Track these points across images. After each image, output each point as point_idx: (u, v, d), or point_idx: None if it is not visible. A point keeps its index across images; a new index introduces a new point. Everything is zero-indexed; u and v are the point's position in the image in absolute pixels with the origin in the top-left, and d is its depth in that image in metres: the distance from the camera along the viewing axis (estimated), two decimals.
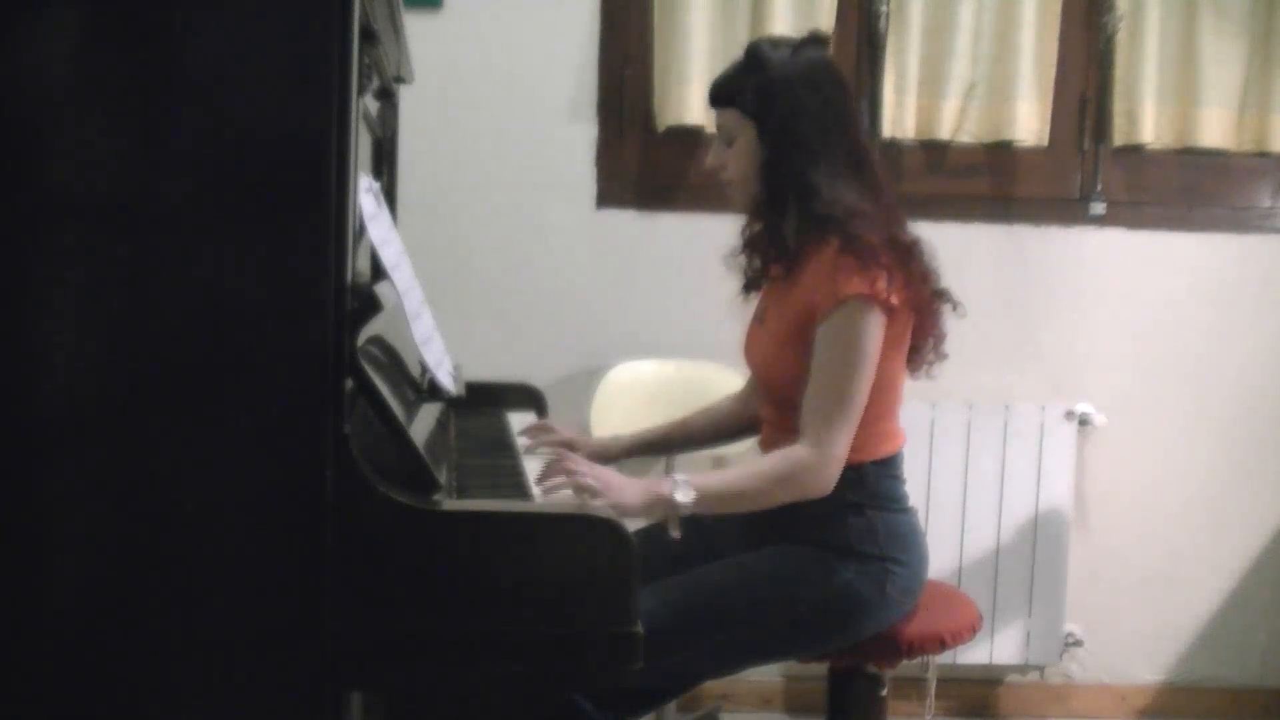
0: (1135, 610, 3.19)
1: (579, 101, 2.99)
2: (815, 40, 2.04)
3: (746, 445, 2.37)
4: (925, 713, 2.98)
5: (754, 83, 1.98)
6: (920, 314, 1.99)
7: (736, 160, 2.02)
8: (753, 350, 2.13)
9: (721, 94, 2.03)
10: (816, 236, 1.96)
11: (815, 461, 1.89)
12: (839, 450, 1.90)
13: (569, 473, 1.79)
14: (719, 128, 2.05)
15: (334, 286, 1.41)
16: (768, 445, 2.10)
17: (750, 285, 2.15)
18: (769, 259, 2.05)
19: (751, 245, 2.08)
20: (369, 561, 1.43)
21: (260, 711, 1.46)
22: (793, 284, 2.00)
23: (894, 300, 1.90)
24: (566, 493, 1.78)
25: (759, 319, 2.13)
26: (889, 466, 2.03)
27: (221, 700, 1.45)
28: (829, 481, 1.90)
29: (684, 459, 2.57)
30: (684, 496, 1.83)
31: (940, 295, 2.03)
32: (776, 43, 2.04)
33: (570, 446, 2.24)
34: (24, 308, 1.41)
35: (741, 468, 2.03)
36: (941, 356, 2.06)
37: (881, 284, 1.89)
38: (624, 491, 1.81)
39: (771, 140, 1.97)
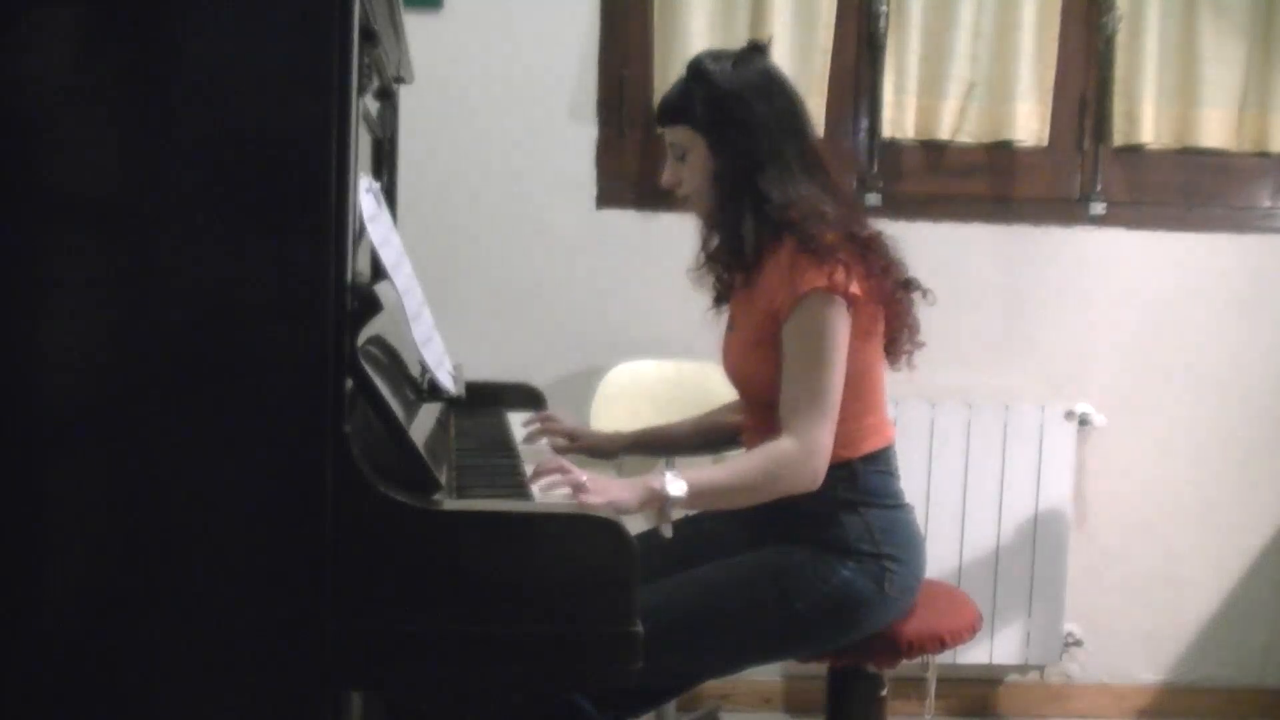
0: (1135, 610, 3.20)
1: (579, 101, 2.99)
2: (756, 49, 2.06)
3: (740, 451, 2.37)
4: (925, 713, 2.98)
5: (701, 96, 2.00)
6: (887, 305, 2.00)
7: (691, 175, 2.04)
8: (727, 358, 2.14)
9: (670, 111, 2.05)
10: (773, 240, 1.98)
11: (800, 455, 1.90)
12: (822, 442, 1.90)
13: (563, 471, 1.80)
14: (670, 145, 2.06)
15: (334, 286, 1.41)
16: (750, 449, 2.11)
17: (720, 298, 2.17)
18: (730, 268, 2.07)
19: (713, 258, 2.10)
20: (369, 561, 1.43)
21: (260, 711, 1.45)
22: (755, 289, 2.02)
23: (855, 290, 1.91)
24: (564, 490, 1.78)
25: (730, 328, 2.15)
26: (878, 462, 2.03)
27: (221, 700, 1.45)
28: (816, 475, 1.91)
29: (682, 460, 2.56)
30: (676, 490, 1.84)
31: (907, 285, 2.04)
32: (718, 56, 2.06)
33: (572, 437, 2.26)
34: (24, 308, 1.41)
35: (732, 462, 2.04)
36: (918, 345, 2.06)
37: (840, 276, 1.90)
38: (617, 491, 1.81)
39: (723, 151, 2.00)
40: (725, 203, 2.02)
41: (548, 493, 1.78)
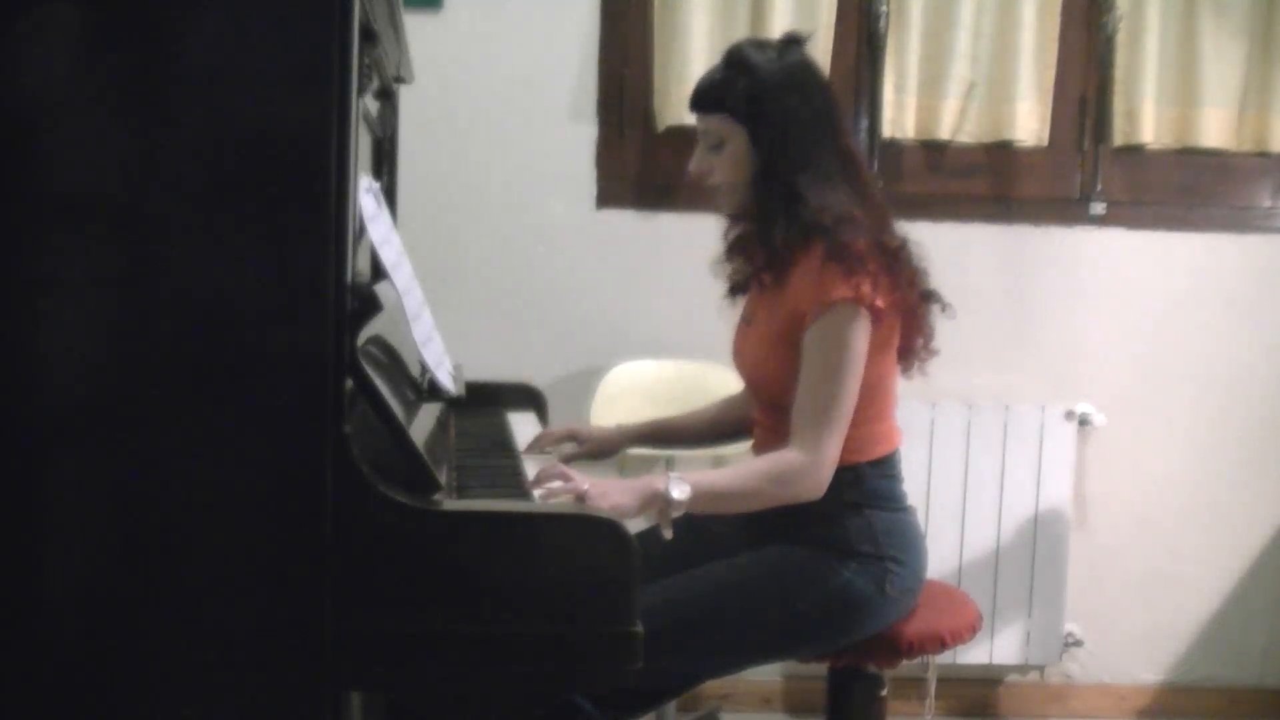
0: (1135, 610, 3.19)
1: (579, 101, 2.99)
2: (795, 41, 2.03)
3: (747, 445, 2.37)
4: (925, 713, 2.98)
5: (744, 87, 1.96)
6: (907, 315, 1.99)
7: (725, 166, 1.99)
8: (741, 353, 2.13)
9: (708, 98, 2.00)
10: (803, 242, 1.95)
11: (807, 466, 1.89)
12: (830, 454, 1.90)
13: (564, 479, 1.80)
14: (704, 132, 2.01)
15: (334, 286, 1.41)
16: (760, 448, 2.11)
17: (736, 289, 2.14)
18: (758, 265, 2.03)
19: (736, 249, 2.07)
20: (369, 561, 1.43)
21: (260, 711, 1.46)
22: (780, 289, 1.99)
23: (880, 304, 1.90)
24: (565, 499, 1.77)
25: (746, 321, 2.13)
26: (885, 466, 2.03)
27: (221, 700, 1.45)
28: (821, 485, 1.91)
29: (683, 460, 2.57)
30: (679, 493, 1.83)
31: (928, 296, 2.03)
32: (761, 45, 2.02)
33: (575, 436, 2.25)
34: (24, 308, 1.41)
35: (736, 467, 2.03)
36: (932, 353, 2.06)
37: (867, 288, 1.89)
38: (618, 494, 1.81)
39: (765, 146, 1.96)
40: (762, 199, 1.98)
41: (547, 499, 1.77)
